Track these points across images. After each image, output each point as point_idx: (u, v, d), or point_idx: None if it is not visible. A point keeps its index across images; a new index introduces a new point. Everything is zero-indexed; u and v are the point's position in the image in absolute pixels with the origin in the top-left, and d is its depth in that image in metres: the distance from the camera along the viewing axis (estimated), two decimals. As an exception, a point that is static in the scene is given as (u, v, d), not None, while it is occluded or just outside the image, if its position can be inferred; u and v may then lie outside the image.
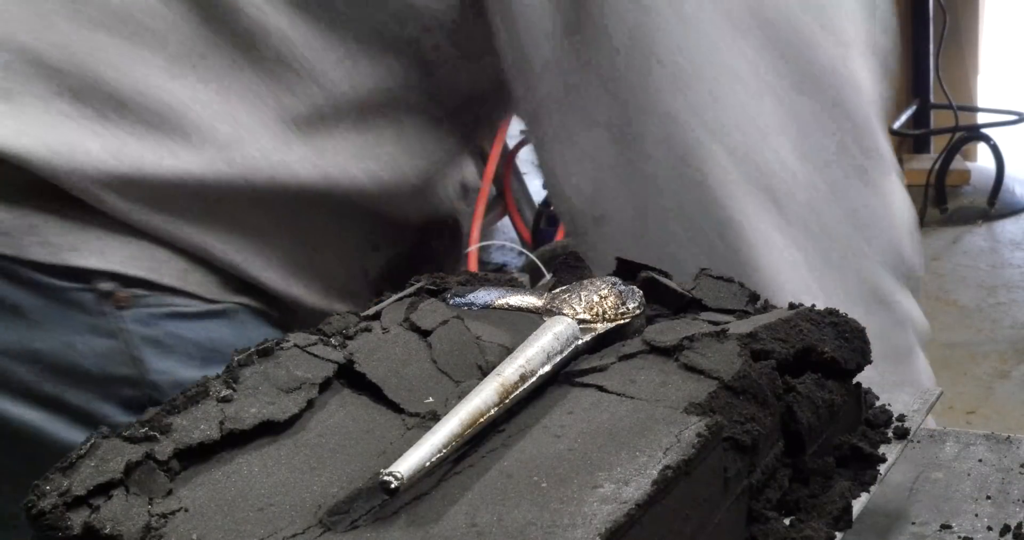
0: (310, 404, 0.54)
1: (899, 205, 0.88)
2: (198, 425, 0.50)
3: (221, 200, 0.86)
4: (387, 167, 0.90)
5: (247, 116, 0.86)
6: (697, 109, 0.81)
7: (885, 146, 0.87)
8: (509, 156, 3.01)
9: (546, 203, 2.92)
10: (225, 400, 0.52)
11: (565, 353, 0.57)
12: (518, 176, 3.14)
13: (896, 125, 3.74)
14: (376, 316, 0.61)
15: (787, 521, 0.55)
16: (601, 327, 0.60)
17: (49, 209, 0.83)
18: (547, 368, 0.55)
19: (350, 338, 0.58)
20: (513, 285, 0.67)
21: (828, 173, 0.84)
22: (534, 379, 0.54)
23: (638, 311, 0.62)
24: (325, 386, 0.55)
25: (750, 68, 0.82)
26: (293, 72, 0.85)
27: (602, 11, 0.81)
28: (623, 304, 0.61)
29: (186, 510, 0.47)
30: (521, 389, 0.53)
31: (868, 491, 0.58)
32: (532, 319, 0.61)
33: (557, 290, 0.63)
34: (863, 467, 0.59)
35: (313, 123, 0.87)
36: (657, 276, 0.66)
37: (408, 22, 0.87)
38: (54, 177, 0.81)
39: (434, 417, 0.53)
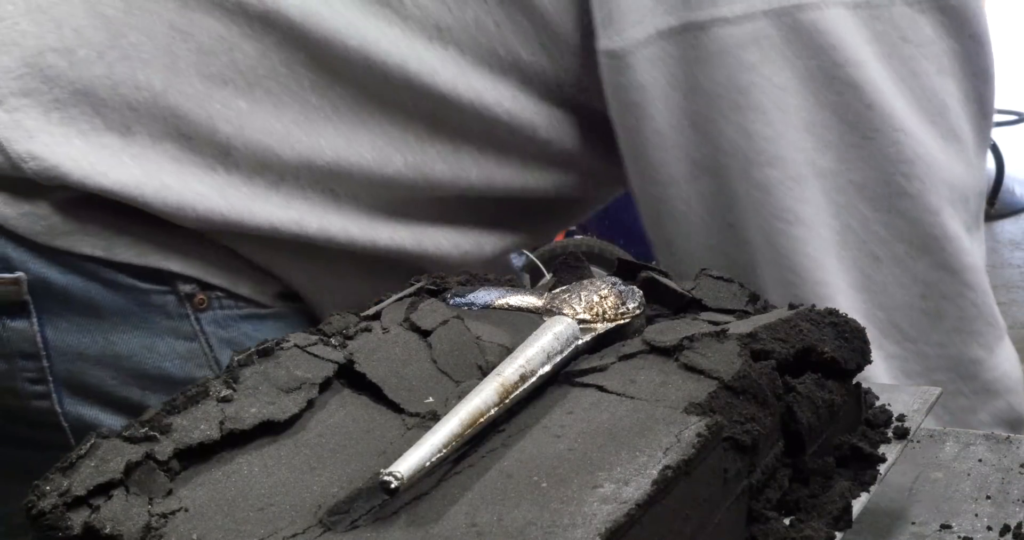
0: (310, 404, 0.54)
1: (1011, 366, 0.92)
2: (198, 425, 0.50)
3: (315, 250, 0.89)
4: (473, 243, 0.96)
5: (357, 188, 0.89)
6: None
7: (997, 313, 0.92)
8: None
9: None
10: (225, 400, 0.52)
11: (565, 353, 0.57)
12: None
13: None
14: (376, 316, 0.61)
15: (787, 521, 0.55)
16: (601, 327, 0.60)
17: (143, 219, 0.84)
18: (547, 368, 0.55)
19: (350, 338, 0.58)
20: (513, 285, 0.67)
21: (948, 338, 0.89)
22: (534, 379, 0.54)
23: (638, 311, 0.62)
24: (325, 386, 0.55)
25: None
26: (402, 161, 0.90)
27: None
28: (623, 304, 0.61)
29: (186, 510, 0.47)
30: (521, 389, 0.53)
31: (868, 491, 0.58)
32: (532, 319, 0.61)
33: (557, 290, 0.63)
34: (863, 467, 0.59)
35: (411, 206, 0.92)
36: (657, 276, 0.66)
37: (531, 152, 0.93)
38: (164, 211, 0.84)
39: (434, 417, 0.53)
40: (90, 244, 0.83)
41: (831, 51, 0.84)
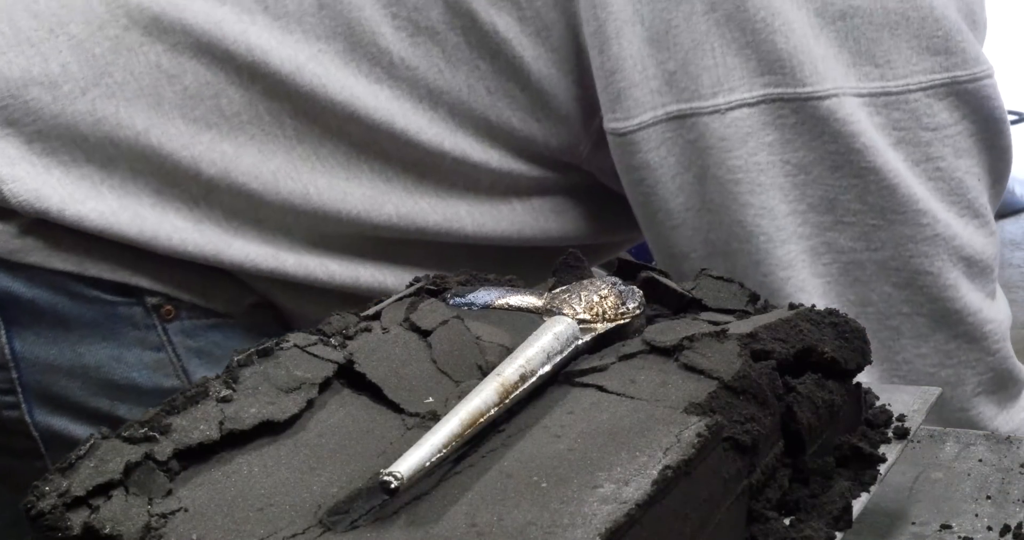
0: (310, 404, 0.54)
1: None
2: (198, 425, 0.50)
3: (297, 286, 0.90)
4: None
5: (345, 231, 0.89)
6: None
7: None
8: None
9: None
10: (225, 400, 0.52)
11: (565, 353, 0.57)
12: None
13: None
14: (376, 316, 0.61)
15: (787, 521, 0.55)
16: (601, 327, 0.60)
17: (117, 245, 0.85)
18: (547, 368, 0.55)
19: (350, 338, 0.58)
20: (513, 285, 0.67)
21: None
22: (534, 379, 0.54)
23: (638, 311, 0.62)
24: (325, 386, 0.55)
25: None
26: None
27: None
28: (623, 304, 0.61)
29: (186, 510, 0.47)
30: (521, 389, 0.53)
31: (868, 491, 0.58)
32: (532, 319, 0.61)
33: (557, 290, 0.63)
34: (863, 467, 0.59)
35: (401, 249, 0.92)
36: (657, 276, 0.66)
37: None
38: (138, 240, 0.84)
39: (434, 417, 0.53)
40: (61, 260, 0.84)
41: (850, 138, 0.85)
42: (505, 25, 0.86)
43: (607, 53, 0.85)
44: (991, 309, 0.90)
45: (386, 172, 0.89)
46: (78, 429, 0.86)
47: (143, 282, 0.86)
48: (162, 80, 0.84)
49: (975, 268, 0.89)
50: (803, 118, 0.85)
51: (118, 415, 0.86)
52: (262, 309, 0.91)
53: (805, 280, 0.86)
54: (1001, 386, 0.91)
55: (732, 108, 0.85)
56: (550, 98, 0.89)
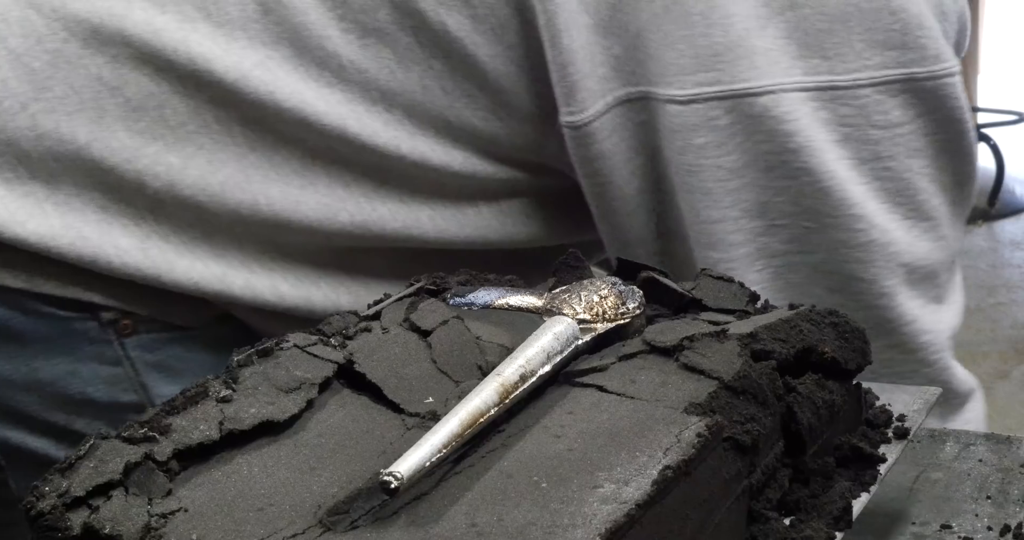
0: (310, 404, 0.54)
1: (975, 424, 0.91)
2: (197, 425, 0.50)
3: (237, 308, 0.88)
4: None
5: (298, 240, 0.87)
6: None
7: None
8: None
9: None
10: (224, 400, 0.52)
11: (565, 353, 0.57)
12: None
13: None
14: (376, 316, 0.61)
15: (787, 521, 0.55)
16: (601, 327, 0.60)
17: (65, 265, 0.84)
18: (547, 368, 0.55)
19: (350, 338, 0.58)
20: (513, 285, 0.67)
21: None
22: (534, 379, 0.54)
23: (638, 311, 0.62)
24: (325, 386, 0.55)
25: None
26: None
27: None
28: (623, 304, 0.61)
29: (186, 510, 0.47)
30: (521, 389, 0.53)
31: (868, 491, 0.58)
32: (532, 319, 0.61)
33: (557, 290, 0.63)
34: (863, 467, 0.59)
35: (358, 258, 0.90)
36: (657, 276, 0.66)
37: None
38: (79, 263, 0.83)
39: (434, 417, 0.53)
40: (12, 277, 0.83)
41: (785, 137, 0.82)
42: (456, 24, 0.84)
43: (559, 47, 0.83)
44: (931, 318, 0.87)
45: (344, 178, 0.87)
46: (36, 442, 0.85)
47: (96, 298, 0.84)
48: (103, 93, 0.83)
49: (916, 274, 0.86)
50: (737, 117, 0.82)
51: (75, 429, 0.85)
52: (224, 322, 0.89)
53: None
54: (940, 398, 0.89)
55: (672, 101, 0.83)
56: (511, 96, 0.87)
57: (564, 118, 0.85)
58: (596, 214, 0.90)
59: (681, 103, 0.82)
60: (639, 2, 0.82)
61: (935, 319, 0.88)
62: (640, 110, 0.84)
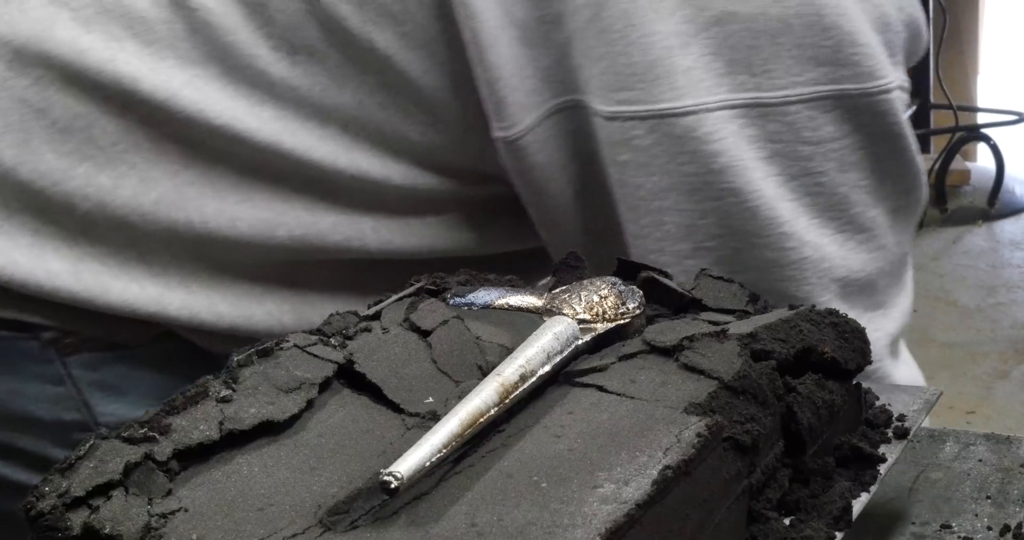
0: (310, 404, 0.54)
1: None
2: (197, 426, 0.50)
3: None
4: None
5: (235, 256, 0.86)
6: None
7: None
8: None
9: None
10: (224, 400, 0.52)
11: (565, 353, 0.57)
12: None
13: (896, 125, 3.73)
14: (376, 316, 0.61)
15: (787, 521, 0.55)
16: (601, 327, 0.60)
17: None
18: (547, 368, 0.55)
19: (350, 338, 0.58)
20: (513, 285, 0.67)
21: None
22: (534, 379, 0.54)
23: (638, 311, 0.62)
24: (325, 386, 0.55)
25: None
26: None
27: None
28: (623, 304, 0.61)
29: (186, 510, 0.47)
30: (521, 389, 0.53)
31: (868, 491, 0.58)
32: (532, 319, 0.61)
33: (557, 290, 0.63)
34: (863, 467, 0.59)
35: (298, 273, 0.88)
36: (657, 276, 0.66)
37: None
38: (11, 287, 0.82)
39: (434, 417, 0.53)
40: None
41: (709, 157, 0.79)
42: (385, 41, 0.82)
43: (485, 63, 0.81)
44: (868, 328, 0.86)
45: (282, 192, 0.85)
46: None
47: (35, 319, 0.83)
48: (29, 115, 0.81)
49: (851, 287, 0.83)
50: (659, 138, 0.79)
51: (19, 447, 0.84)
52: (168, 338, 0.87)
53: None
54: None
55: (598, 115, 0.81)
56: (448, 110, 0.85)
57: (496, 133, 0.83)
58: (536, 220, 0.88)
59: (605, 118, 0.80)
60: (564, 15, 0.80)
61: (872, 328, 0.85)
62: (573, 118, 0.82)
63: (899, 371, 0.86)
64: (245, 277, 0.87)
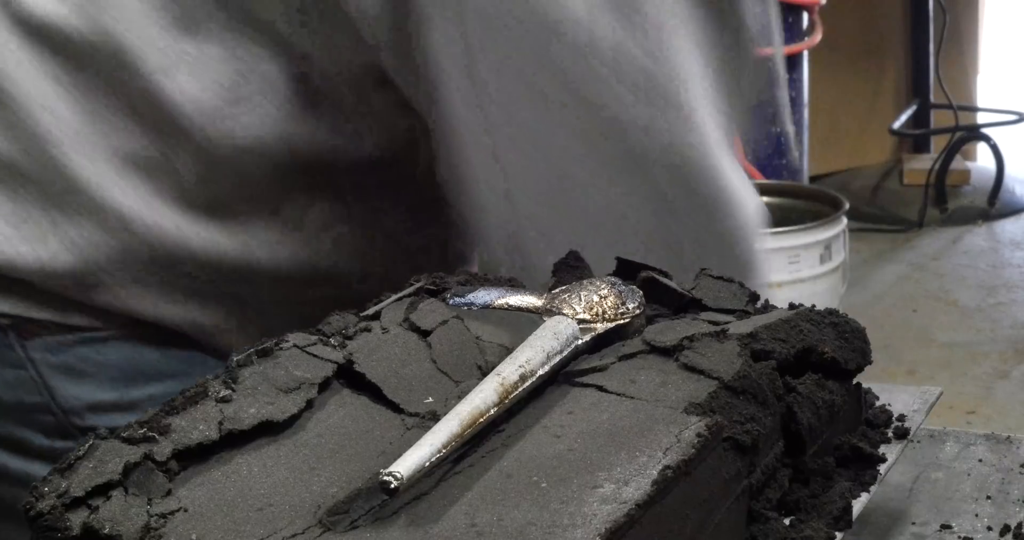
0: (309, 404, 0.54)
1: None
2: (197, 426, 0.50)
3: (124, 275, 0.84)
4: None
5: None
6: None
7: None
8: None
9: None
10: (224, 400, 0.52)
11: (565, 353, 0.57)
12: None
13: (896, 125, 3.74)
14: (376, 316, 0.61)
15: (787, 521, 0.55)
16: (601, 327, 0.60)
17: None
18: (547, 368, 0.55)
19: (349, 338, 0.58)
20: (513, 285, 0.67)
21: None
22: (534, 379, 0.54)
23: (638, 311, 0.62)
24: (324, 386, 0.55)
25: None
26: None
27: None
28: (623, 304, 0.61)
29: (185, 510, 0.47)
30: (521, 389, 0.53)
31: (868, 491, 0.58)
32: (532, 319, 0.61)
33: (557, 290, 0.63)
34: (863, 467, 0.59)
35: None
36: (657, 276, 0.66)
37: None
38: None
39: (434, 417, 0.53)
40: None
41: None
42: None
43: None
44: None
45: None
46: None
47: None
48: None
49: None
50: None
51: None
52: (136, 327, 0.86)
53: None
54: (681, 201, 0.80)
55: None
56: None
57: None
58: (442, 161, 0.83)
59: None
60: None
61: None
62: None
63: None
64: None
